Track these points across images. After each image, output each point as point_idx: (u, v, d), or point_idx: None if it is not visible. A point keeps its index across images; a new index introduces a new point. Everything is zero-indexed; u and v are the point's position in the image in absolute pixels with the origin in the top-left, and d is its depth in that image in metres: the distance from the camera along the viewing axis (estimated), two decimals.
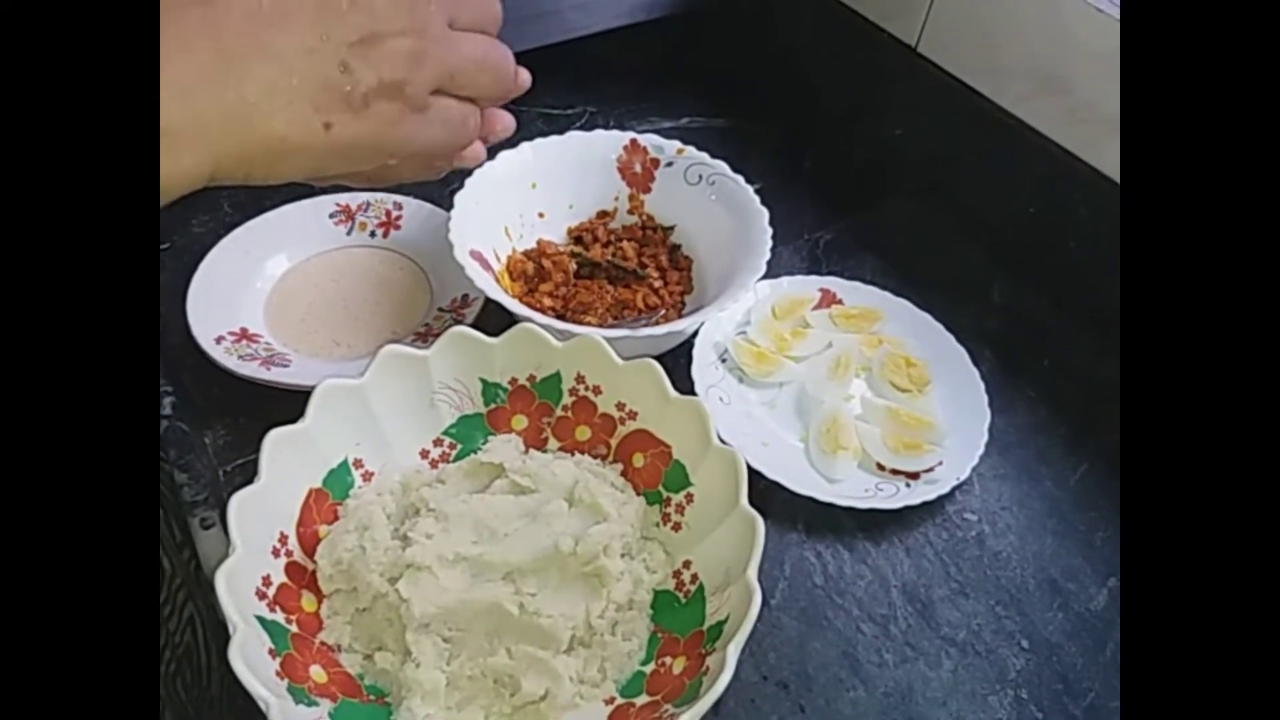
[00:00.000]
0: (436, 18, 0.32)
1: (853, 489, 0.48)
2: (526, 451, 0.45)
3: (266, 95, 0.27)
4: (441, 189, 0.62)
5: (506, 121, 0.42)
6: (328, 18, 0.28)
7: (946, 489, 0.48)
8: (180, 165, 0.27)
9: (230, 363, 0.47)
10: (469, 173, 0.54)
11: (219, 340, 0.49)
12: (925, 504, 0.47)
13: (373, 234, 0.57)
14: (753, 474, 0.42)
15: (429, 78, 0.32)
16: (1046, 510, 0.50)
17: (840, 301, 0.57)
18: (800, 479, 0.47)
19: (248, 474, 0.46)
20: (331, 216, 0.57)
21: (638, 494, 0.43)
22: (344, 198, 0.58)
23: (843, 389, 0.52)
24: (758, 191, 0.56)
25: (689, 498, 0.42)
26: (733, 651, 0.33)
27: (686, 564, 0.41)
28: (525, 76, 0.39)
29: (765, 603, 0.36)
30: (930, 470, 0.49)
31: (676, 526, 0.42)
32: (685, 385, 0.50)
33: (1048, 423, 0.54)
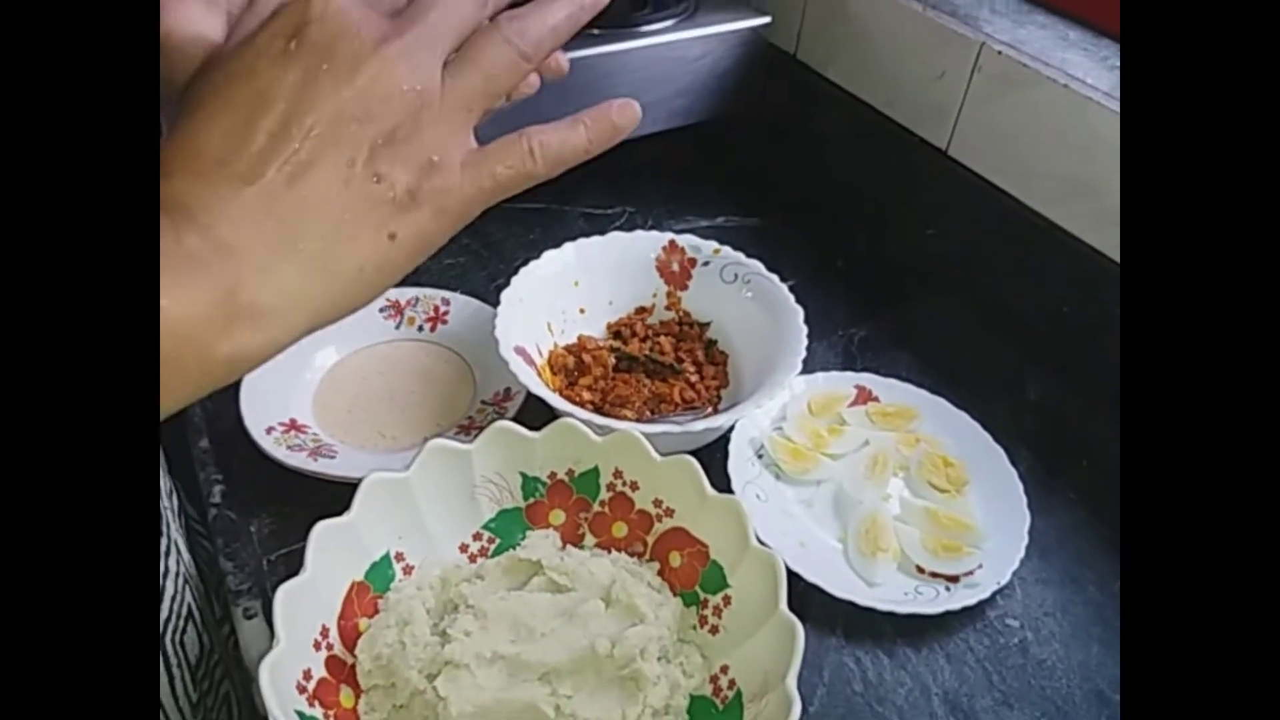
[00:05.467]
0: (429, 72, 0.30)
1: (892, 592, 0.47)
2: (564, 548, 0.45)
3: (330, 241, 0.28)
4: (488, 285, 0.65)
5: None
6: (346, 145, 0.29)
7: (987, 593, 0.47)
8: (281, 330, 0.28)
9: (279, 453, 0.49)
10: (515, 270, 0.57)
11: (269, 430, 0.50)
12: (966, 609, 0.46)
13: (420, 328, 0.59)
14: (791, 575, 0.42)
15: (454, 133, 0.31)
16: (1091, 617, 0.49)
17: (876, 399, 0.58)
18: (839, 582, 0.46)
19: (291, 563, 0.47)
20: (381, 311, 0.59)
21: (674, 594, 0.43)
22: (394, 293, 0.60)
23: (881, 489, 0.52)
24: (791, 288, 0.58)
25: (726, 600, 0.42)
26: None
27: (724, 669, 0.40)
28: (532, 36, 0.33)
29: (804, 711, 0.35)
30: (970, 573, 0.48)
31: (714, 629, 0.42)
32: (722, 481, 0.50)
33: (1088, 525, 0.53)
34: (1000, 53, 0.62)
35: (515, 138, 0.33)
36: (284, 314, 0.28)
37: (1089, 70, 0.59)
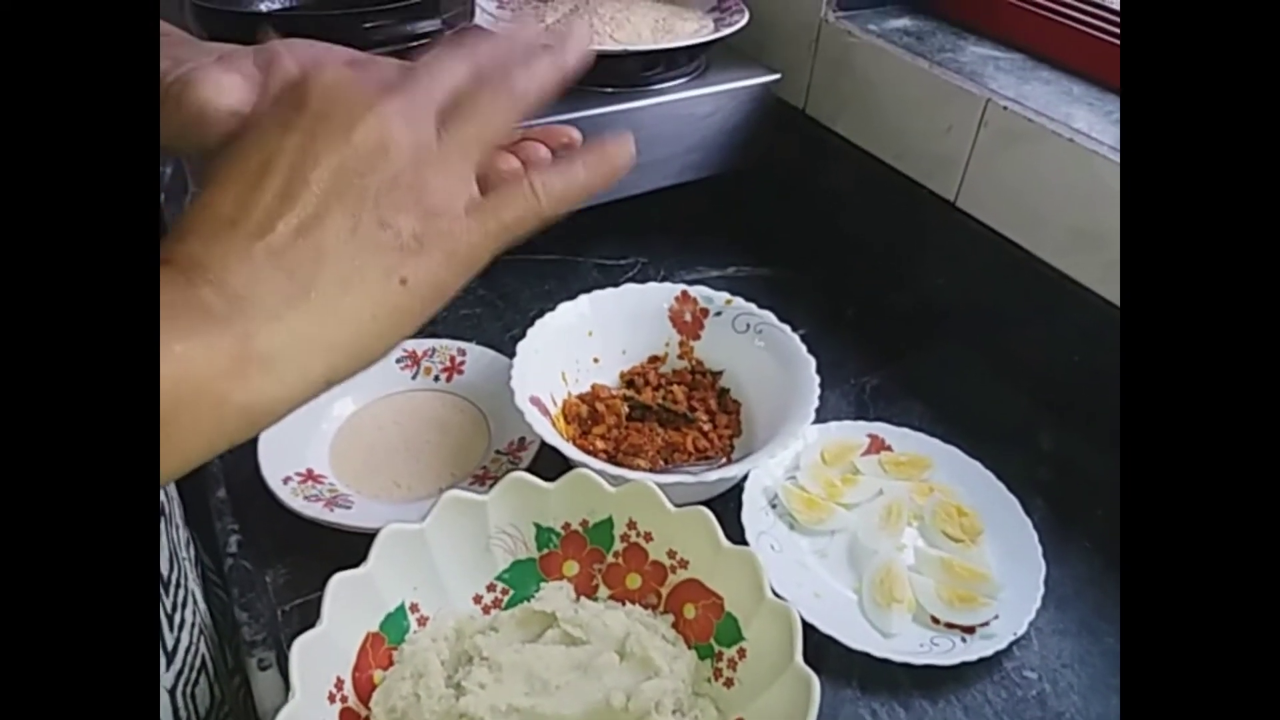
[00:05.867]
0: (423, 123, 0.31)
1: (908, 643, 0.47)
2: (578, 600, 0.45)
3: (341, 289, 0.29)
4: (503, 335, 0.66)
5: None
6: (350, 197, 0.29)
7: (1004, 644, 0.47)
8: (297, 379, 0.28)
9: (296, 503, 0.49)
10: (530, 321, 0.58)
11: (286, 480, 0.51)
12: (982, 660, 0.46)
13: (437, 378, 0.60)
14: (806, 626, 0.42)
15: (455, 180, 0.32)
16: (1109, 668, 0.48)
17: (889, 448, 0.58)
18: (854, 633, 0.46)
19: (305, 614, 0.47)
20: (398, 361, 0.60)
21: (689, 647, 0.43)
22: (410, 344, 0.61)
23: (895, 539, 0.52)
24: (803, 337, 0.58)
25: (741, 653, 0.42)
26: None
27: None
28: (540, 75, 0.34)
29: None
30: (986, 624, 0.48)
31: (729, 683, 0.42)
32: (736, 530, 0.50)
33: (1104, 575, 0.53)
34: (1005, 108, 0.63)
35: (517, 182, 0.33)
36: (298, 362, 0.28)
37: (1093, 124, 0.61)
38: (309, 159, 0.29)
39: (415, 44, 0.62)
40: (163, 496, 0.49)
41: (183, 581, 0.49)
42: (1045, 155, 0.61)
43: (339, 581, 0.39)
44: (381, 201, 0.30)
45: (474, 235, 0.32)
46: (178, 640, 0.46)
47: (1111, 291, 0.60)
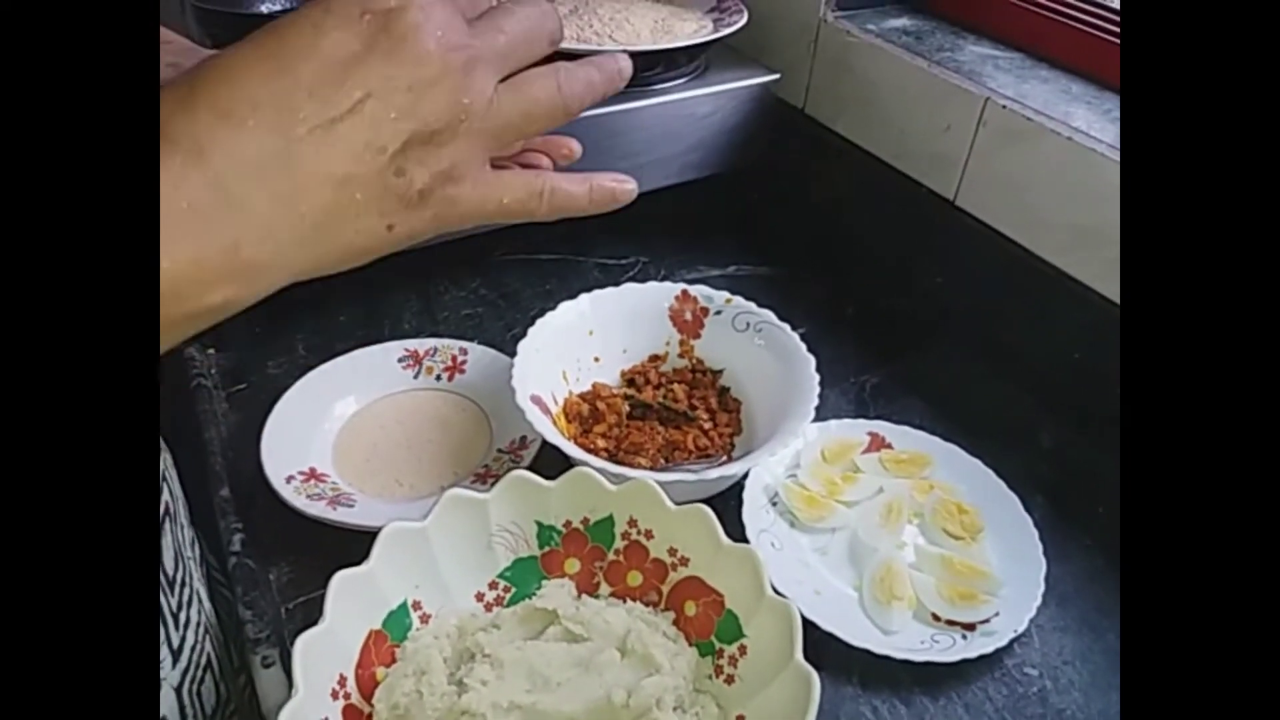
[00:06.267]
0: (484, 90, 0.30)
1: (908, 641, 0.47)
2: (579, 597, 0.45)
3: (334, 216, 0.28)
4: (504, 335, 0.66)
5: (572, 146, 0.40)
6: (383, 131, 0.28)
7: (1004, 641, 0.47)
8: (264, 287, 0.28)
9: (299, 502, 0.49)
10: (531, 320, 0.58)
11: (289, 479, 0.51)
12: (983, 657, 0.46)
13: (438, 377, 0.60)
14: (807, 624, 0.42)
15: (480, 151, 0.31)
16: (1110, 665, 0.48)
17: (889, 446, 0.58)
18: (855, 630, 0.46)
19: (309, 612, 0.48)
20: (400, 361, 0.60)
21: (690, 644, 0.43)
22: (412, 343, 0.61)
23: (895, 536, 0.52)
24: (803, 336, 0.59)
25: (742, 650, 0.42)
26: None
27: (740, 719, 0.40)
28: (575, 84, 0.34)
29: None
30: (987, 621, 0.48)
31: (729, 679, 0.42)
32: (736, 528, 0.50)
33: (1105, 572, 0.53)
34: (1004, 107, 0.63)
35: (533, 176, 0.34)
36: (273, 271, 0.28)
37: (1092, 123, 0.61)
38: (360, 74, 0.27)
39: None
40: (168, 496, 0.50)
41: (188, 581, 0.49)
42: (1044, 154, 0.61)
43: (341, 579, 0.39)
44: (409, 150, 0.29)
45: (470, 207, 0.32)
46: (183, 639, 0.47)
47: (1111, 289, 0.60)
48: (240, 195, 0.26)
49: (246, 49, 0.27)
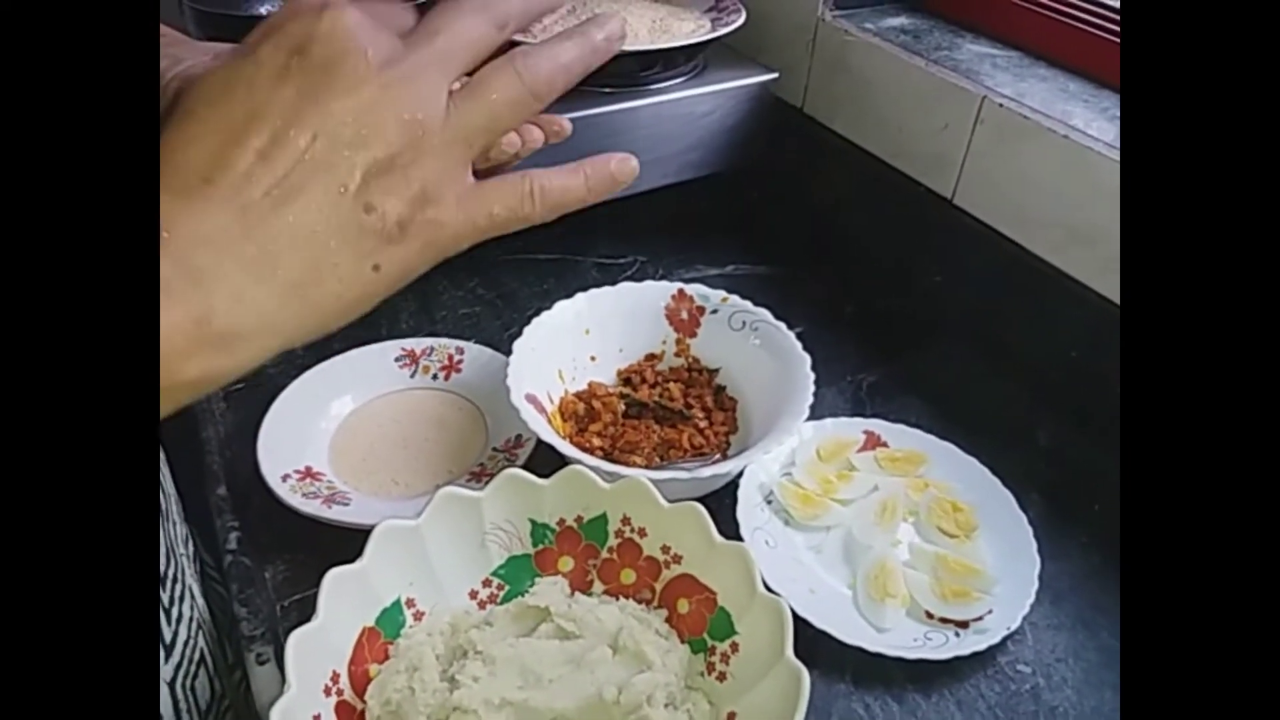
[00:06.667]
0: (432, 100, 0.28)
1: (901, 638, 0.47)
2: (572, 595, 0.45)
3: (311, 269, 0.27)
4: (502, 334, 0.66)
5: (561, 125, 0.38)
6: (338, 170, 0.27)
7: (997, 639, 0.47)
8: (252, 354, 0.27)
9: (294, 500, 0.50)
10: (528, 320, 0.58)
11: (285, 478, 0.51)
12: (976, 654, 0.46)
13: (435, 377, 0.61)
14: (800, 622, 0.42)
15: (452, 166, 0.30)
16: (1104, 662, 0.48)
17: (885, 444, 0.58)
18: (848, 628, 0.46)
19: (304, 609, 0.48)
20: (397, 360, 0.61)
21: (682, 641, 0.43)
22: (409, 343, 0.61)
23: (890, 534, 0.52)
24: (800, 335, 0.59)
25: (734, 647, 0.42)
26: None
27: (731, 716, 0.40)
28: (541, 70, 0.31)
29: None
30: (980, 619, 0.48)
31: (721, 676, 0.42)
32: (731, 527, 0.50)
33: (1100, 570, 0.53)
34: (1002, 105, 0.63)
35: (518, 179, 0.32)
36: (257, 338, 0.27)
37: (1090, 121, 0.61)
38: (300, 120, 0.26)
39: None
40: (160, 495, 0.50)
41: (180, 577, 0.49)
42: (1041, 152, 0.61)
43: (335, 577, 0.40)
44: (371, 182, 0.27)
45: (459, 227, 0.30)
46: (175, 634, 0.47)
47: (1108, 288, 0.60)
48: (205, 267, 0.25)
49: (187, 123, 0.27)
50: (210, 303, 0.25)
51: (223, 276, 0.26)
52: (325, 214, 0.27)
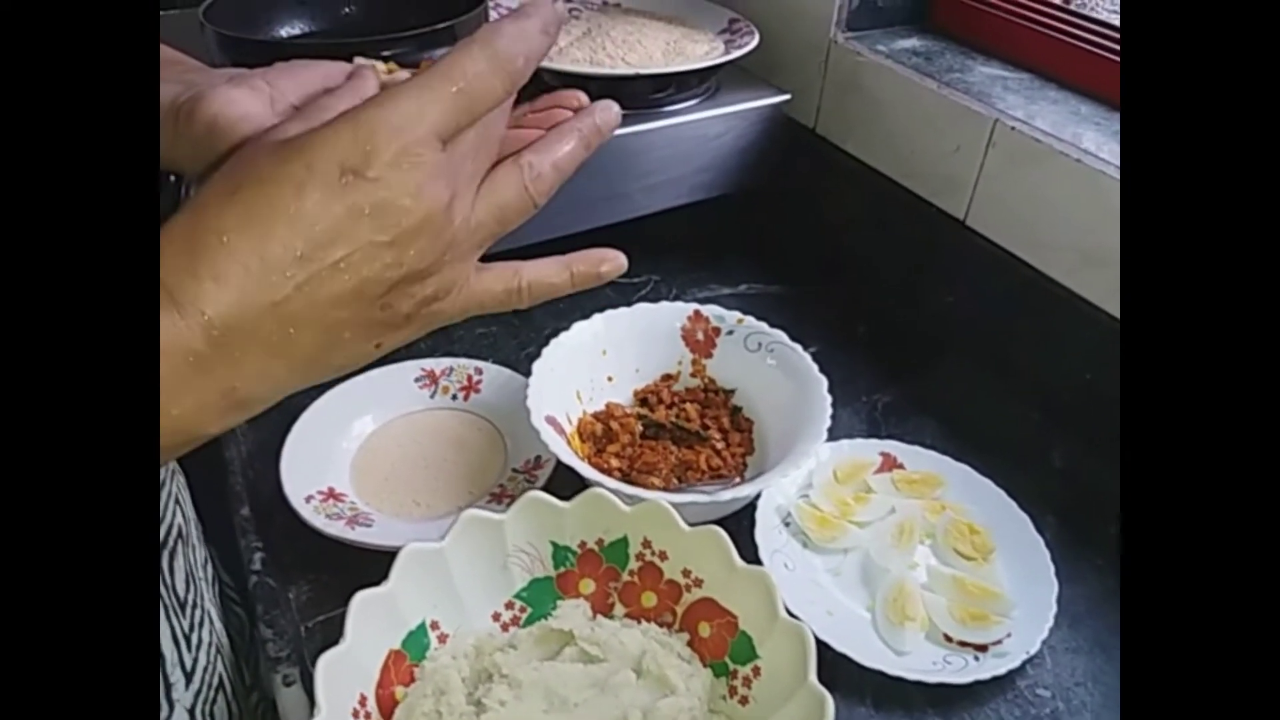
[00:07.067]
0: (462, 222, 0.31)
1: (921, 662, 0.47)
2: (594, 618, 0.46)
3: (325, 351, 0.30)
4: (519, 354, 0.67)
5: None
6: (368, 282, 0.29)
7: (1017, 663, 0.47)
8: (252, 413, 0.30)
9: (318, 522, 0.50)
10: (545, 340, 0.59)
11: (309, 499, 0.52)
12: (996, 678, 0.46)
13: (454, 397, 0.61)
14: (819, 645, 0.42)
15: (464, 267, 0.32)
16: None
17: (901, 465, 0.59)
18: (868, 651, 0.47)
19: (328, 630, 0.48)
20: (417, 380, 0.61)
21: (704, 665, 0.44)
22: (429, 363, 0.62)
23: (908, 557, 0.52)
24: (814, 354, 0.59)
25: (756, 671, 0.42)
26: None
27: None
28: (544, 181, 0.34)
29: None
30: (999, 642, 0.48)
31: (744, 700, 0.42)
32: (749, 549, 0.51)
33: (1117, 593, 0.53)
34: (1014, 129, 0.64)
35: (510, 274, 0.34)
36: (268, 400, 0.30)
37: (1101, 144, 0.61)
38: (343, 237, 0.28)
39: None
40: (180, 519, 0.50)
41: (199, 602, 0.50)
42: (1053, 175, 0.62)
43: (362, 600, 0.40)
44: (394, 289, 0.30)
45: (453, 315, 0.33)
46: (195, 660, 0.47)
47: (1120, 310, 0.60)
48: (236, 347, 0.27)
49: (235, 202, 0.28)
50: (238, 377, 0.28)
51: (251, 356, 0.28)
52: (347, 312, 0.29)
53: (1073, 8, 0.71)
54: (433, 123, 0.28)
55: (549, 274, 0.35)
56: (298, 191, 0.27)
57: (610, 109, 0.36)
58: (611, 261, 0.37)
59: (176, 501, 0.50)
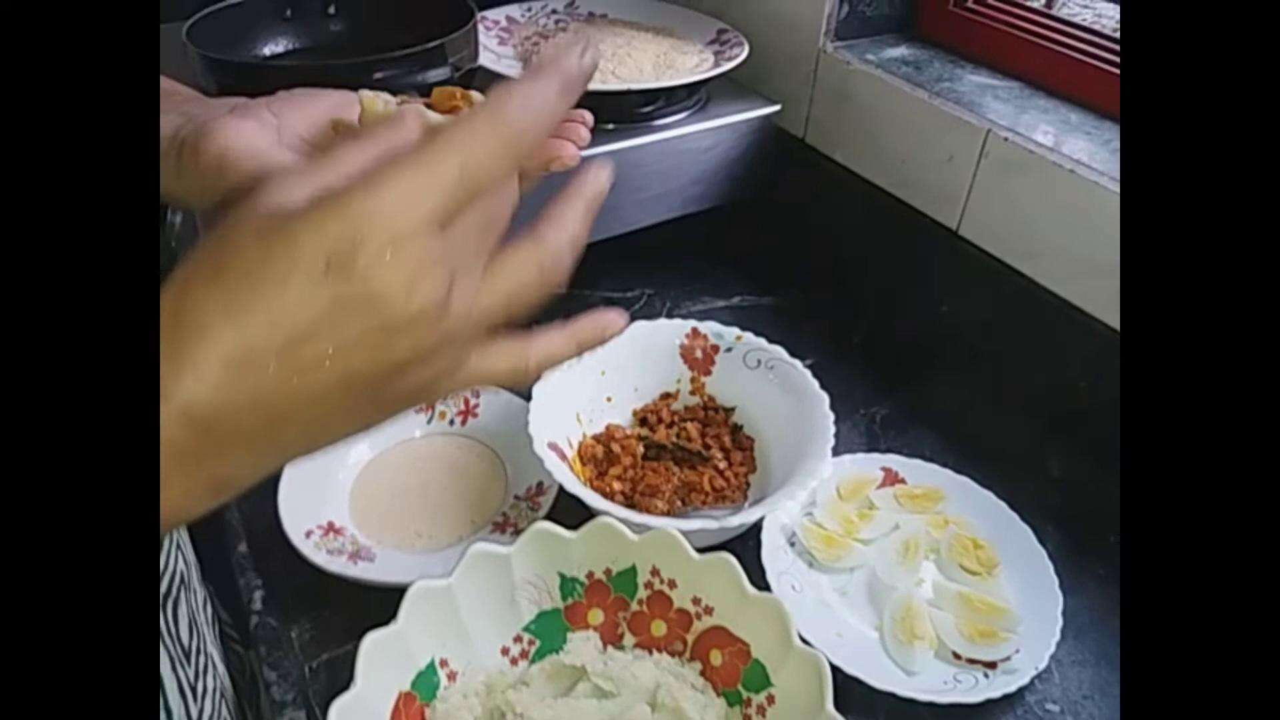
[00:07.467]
0: (461, 313, 0.28)
1: (931, 681, 0.47)
2: (605, 649, 0.45)
3: (312, 438, 0.28)
4: None
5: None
6: (357, 374, 0.26)
7: (1026, 679, 0.47)
8: (238, 491, 0.28)
9: (319, 558, 0.49)
10: None
11: (308, 534, 0.51)
12: (1006, 695, 0.47)
13: (451, 422, 0.60)
14: (831, 669, 0.42)
15: (467, 352, 0.29)
16: None
17: (903, 480, 0.59)
18: (878, 673, 0.46)
19: (332, 670, 0.48)
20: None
21: (717, 694, 0.43)
22: None
23: (913, 574, 0.52)
24: (810, 366, 0.59)
25: (770, 699, 0.42)
26: None
27: None
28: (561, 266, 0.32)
29: None
30: (1008, 659, 0.48)
31: None
32: (755, 570, 0.51)
33: (1120, 602, 0.54)
34: (1006, 139, 0.64)
35: (518, 356, 0.31)
36: (259, 478, 0.28)
37: (1092, 153, 0.62)
38: (325, 332, 0.25)
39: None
40: (182, 565, 0.49)
41: (202, 647, 0.49)
42: (1045, 185, 0.62)
43: (372, 641, 0.39)
44: (385, 380, 0.27)
45: (454, 391, 0.30)
46: (201, 709, 0.46)
47: (1115, 319, 0.61)
48: (219, 440, 0.26)
49: (220, 288, 0.26)
50: (223, 469, 0.26)
51: (235, 449, 0.26)
52: (336, 403, 0.27)
53: (1058, 14, 0.71)
54: (429, 210, 0.26)
55: (556, 348, 0.33)
56: (281, 282, 0.25)
57: (602, 172, 0.33)
58: (614, 325, 0.35)
59: (178, 546, 0.49)
